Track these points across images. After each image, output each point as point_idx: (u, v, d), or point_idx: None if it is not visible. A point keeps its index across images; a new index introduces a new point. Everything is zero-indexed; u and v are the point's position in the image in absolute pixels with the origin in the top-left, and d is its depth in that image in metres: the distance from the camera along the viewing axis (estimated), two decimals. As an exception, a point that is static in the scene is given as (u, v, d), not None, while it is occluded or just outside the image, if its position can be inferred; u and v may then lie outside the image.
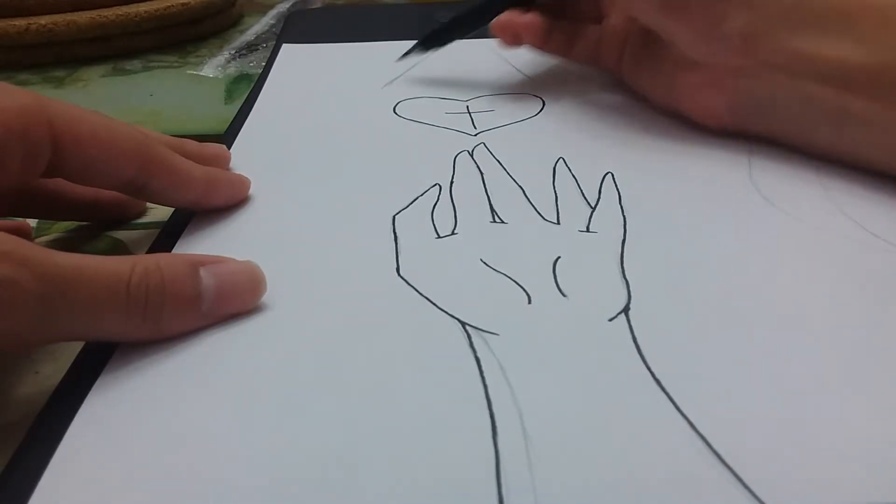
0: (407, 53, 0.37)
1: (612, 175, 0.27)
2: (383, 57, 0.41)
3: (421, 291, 0.21)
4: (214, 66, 0.44)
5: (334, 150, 0.31)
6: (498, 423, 0.17)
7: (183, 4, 0.47)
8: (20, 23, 0.42)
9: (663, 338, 0.19)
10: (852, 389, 0.18)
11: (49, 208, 0.26)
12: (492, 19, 0.35)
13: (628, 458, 0.16)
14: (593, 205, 0.26)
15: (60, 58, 0.45)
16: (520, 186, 0.27)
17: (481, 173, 0.28)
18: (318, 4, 0.57)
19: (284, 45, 0.44)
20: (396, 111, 0.34)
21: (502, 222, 0.25)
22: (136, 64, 0.45)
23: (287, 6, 0.57)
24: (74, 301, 0.17)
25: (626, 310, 0.20)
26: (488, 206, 0.26)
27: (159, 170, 0.22)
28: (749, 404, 0.17)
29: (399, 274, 0.22)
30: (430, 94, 0.37)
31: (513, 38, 0.35)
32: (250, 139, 0.32)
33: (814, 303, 0.21)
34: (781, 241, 0.23)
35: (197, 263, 0.20)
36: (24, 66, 0.44)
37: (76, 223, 0.28)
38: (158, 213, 0.29)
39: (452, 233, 0.24)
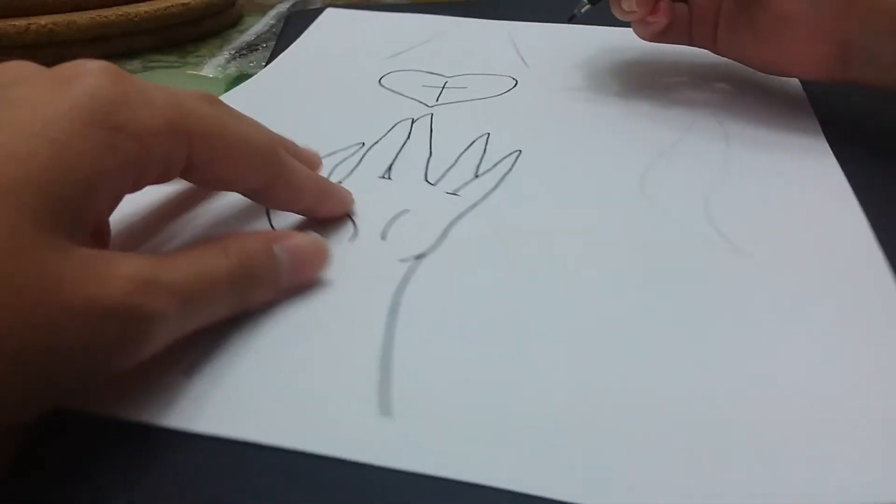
0: (576, 13, 0.36)
1: (520, 153, 0.30)
2: (418, 28, 0.45)
3: None
4: (214, 66, 0.44)
5: (311, 112, 0.35)
6: None
7: (183, 4, 0.47)
8: (20, 23, 0.42)
9: (434, 286, 0.22)
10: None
11: None
12: None
13: None
14: (478, 174, 0.28)
15: (60, 58, 0.44)
16: (430, 153, 0.30)
17: (407, 139, 0.32)
18: (318, 4, 0.57)
19: (328, 10, 0.48)
20: (382, 82, 0.38)
21: (388, 179, 0.28)
22: (136, 64, 0.45)
23: (287, 6, 0.57)
24: (202, 307, 0.18)
25: (420, 256, 0.23)
26: (387, 165, 0.29)
27: (282, 181, 0.22)
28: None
29: None
30: (428, 70, 0.39)
31: (648, 11, 0.33)
32: (243, 92, 0.37)
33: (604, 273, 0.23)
34: (645, 232, 0.25)
35: (270, 241, 0.21)
36: (24, 66, 0.44)
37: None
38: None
39: (342, 180, 0.28)
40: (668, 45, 0.35)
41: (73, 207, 0.16)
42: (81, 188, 0.16)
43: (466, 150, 0.30)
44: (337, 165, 0.29)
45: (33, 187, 0.15)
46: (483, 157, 0.30)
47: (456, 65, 0.40)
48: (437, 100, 0.36)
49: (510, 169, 0.29)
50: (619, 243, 0.24)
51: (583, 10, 0.35)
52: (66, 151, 0.16)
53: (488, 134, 0.32)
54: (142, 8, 0.45)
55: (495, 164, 0.29)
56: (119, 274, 0.16)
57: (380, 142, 0.31)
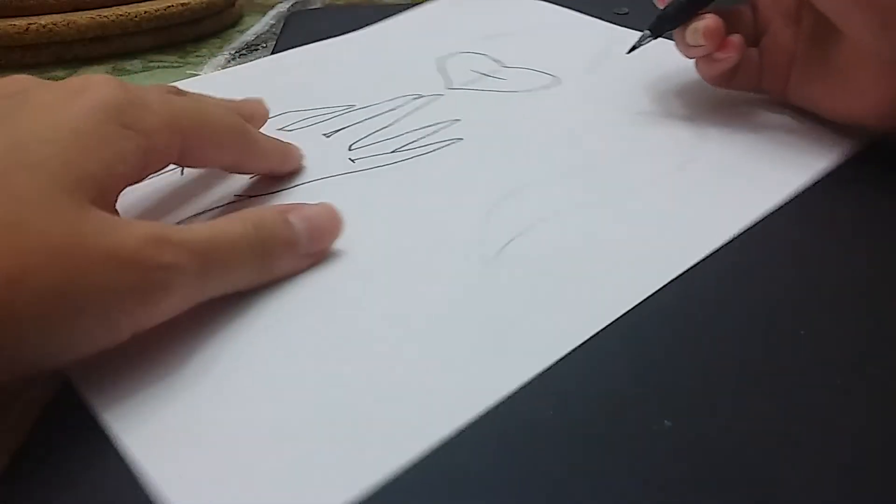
0: (637, 45, 0.33)
1: (458, 140, 0.31)
2: (536, 15, 0.46)
3: None
4: (214, 66, 0.44)
5: (346, 71, 0.38)
6: None
7: (183, 4, 0.47)
8: (20, 23, 0.42)
9: None
10: None
11: None
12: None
13: None
14: (396, 150, 0.30)
15: (60, 58, 0.45)
16: (388, 125, 0.32)
17: (389, 110, 0.33)
18: (318, 4, 0.57)
19: None
20: (438, 59, 0.40)
21: (327, 138, 0.31)
22: (136, 64, 0.45)
23: (287, 6, 0.57)
24: (220, 268, 0.20)
25: (251, 197, 0.27)
26: (338, 128, 0.32)
27: (252, 153, 0.26)
28: None
29: None
30: (498, 57, 0.40)
31: (716, 46, 0.30)
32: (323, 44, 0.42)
33: None
34: None
35: (284, 212, 0.22)
36: (24, 66, 0.44)
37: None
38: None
39: (297, 130, 0.32)
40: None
41: (95, 180, 0.18)
42: (101, 165, 0.19)
43: (419, 129, 0.32)
44: (308, 119, 0.33)
45: (60, 162, 0.18)
46: (423, 138, 0.31)
47: (529, 56, 0.39)
48: (466, 85, 0.36)
49: (426, 153, 0.30)
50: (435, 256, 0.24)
51: (643, 43, 0.32)
52: (87, 138, 0.19)
53: (456, 120, 0.32)
54: (142, 8, 0.45)
55: (421, 147, 0.30)
56: (133, 232, 0.18)
57: (365, 108, 0.34)
